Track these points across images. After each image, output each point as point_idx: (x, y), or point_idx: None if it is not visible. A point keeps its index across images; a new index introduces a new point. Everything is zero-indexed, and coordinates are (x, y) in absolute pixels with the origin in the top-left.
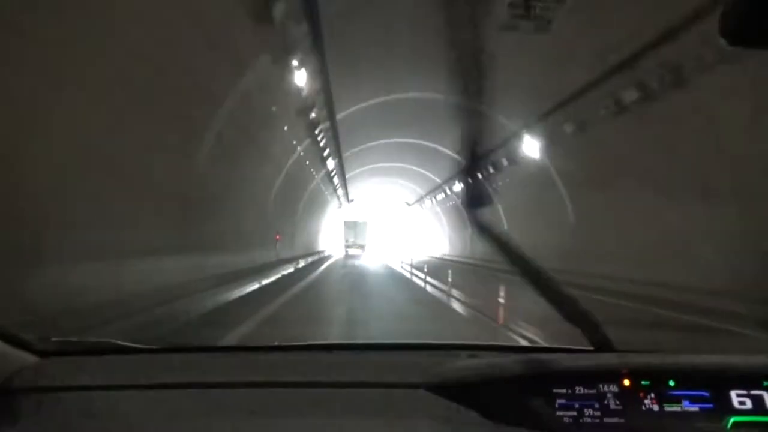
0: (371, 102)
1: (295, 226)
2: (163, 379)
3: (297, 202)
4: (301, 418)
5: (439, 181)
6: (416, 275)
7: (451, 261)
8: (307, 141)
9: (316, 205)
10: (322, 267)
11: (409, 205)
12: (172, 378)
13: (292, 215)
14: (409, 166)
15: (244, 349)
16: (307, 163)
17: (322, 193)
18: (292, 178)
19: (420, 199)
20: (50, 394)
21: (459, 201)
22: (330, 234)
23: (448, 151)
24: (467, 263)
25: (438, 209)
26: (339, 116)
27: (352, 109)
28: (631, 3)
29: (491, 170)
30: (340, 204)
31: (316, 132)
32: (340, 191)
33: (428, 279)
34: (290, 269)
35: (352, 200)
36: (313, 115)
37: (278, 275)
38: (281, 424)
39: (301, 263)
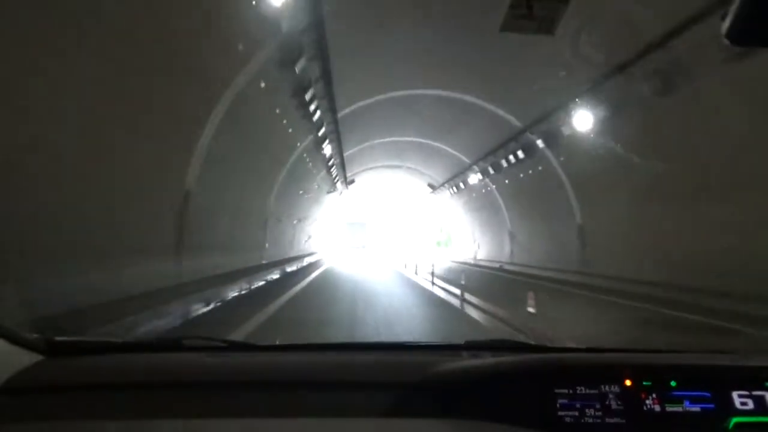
0: None
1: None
2: (165, 378)
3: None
4: (303, 417)
5: (512, 128)
6: None
7: (529, 278)
8: None
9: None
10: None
11: (434, 189)
12: (174, 377)
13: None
14: (448, 94)
15: (244, 349)
16: None
17: (286, 138)
18: None
19: (458, 176)
20: (53, 393)
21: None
22: (312, 233)
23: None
24: (583, 285)
25: (492, 187)
26: None
27: None
28: None
29: None
30: (334, 187)
31: None
32: (327, 149)
33: None
34: None
35: (352, 182)
36: None
37: None
38: (281, 423)
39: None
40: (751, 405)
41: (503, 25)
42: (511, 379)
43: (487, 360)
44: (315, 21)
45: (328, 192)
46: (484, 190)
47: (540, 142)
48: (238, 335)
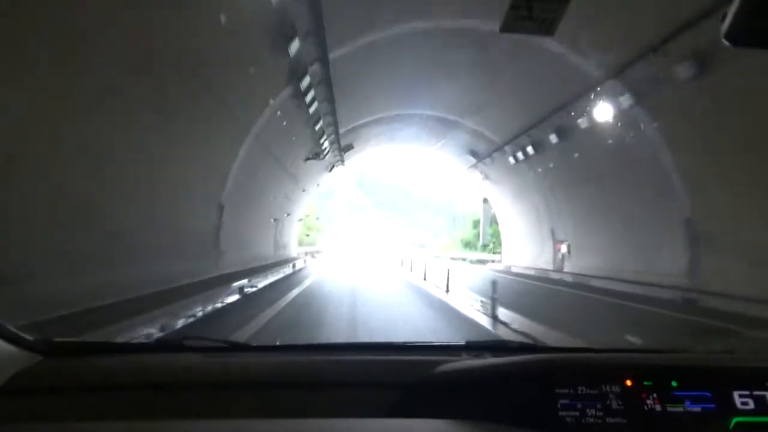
0: None
1: None
2: (165, 378)
3: None
4: (302, 418)
5: None
6: None
7: None
8: None
9: None
10: None
11: (479, 158)
12: (174, 378)
13: None
14: None
15: (245, 350)
16: None
17: None
18: None
19: (546, 120)
20: (53, 393)
21: None
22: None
23: None
24: None
25: (652, 125)
26: None
27: None
28: None
29: None
30: (320, 149)
31: None
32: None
33: None
34: None
35: (349, 148)
36: None
37: None
38: (282, 423)
39: None
40: (752, 405)
41: (503, 26)
42: (512, 380)
43: (488, 360)
44: None
45: (307, 159)
46: (611, 140)
47: None
48: None
